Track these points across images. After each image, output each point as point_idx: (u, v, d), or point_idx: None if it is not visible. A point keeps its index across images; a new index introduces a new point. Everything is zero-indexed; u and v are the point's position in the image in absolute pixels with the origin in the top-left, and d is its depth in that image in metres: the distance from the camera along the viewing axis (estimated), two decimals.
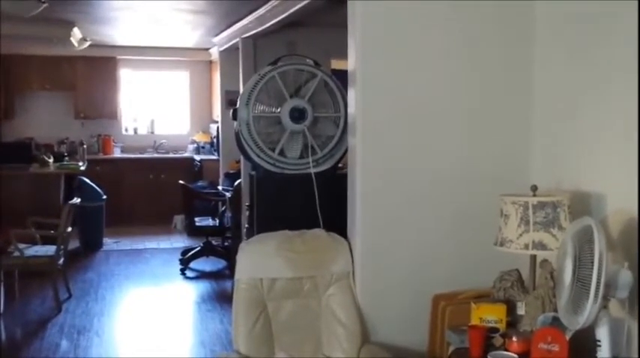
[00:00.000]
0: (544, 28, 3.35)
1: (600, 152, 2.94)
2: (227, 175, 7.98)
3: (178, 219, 9.36)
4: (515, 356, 2.73)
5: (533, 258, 2.90)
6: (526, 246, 2.77)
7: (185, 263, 7.24)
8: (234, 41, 7.31)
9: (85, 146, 9.51)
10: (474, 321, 2.96)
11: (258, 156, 3.93)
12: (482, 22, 3.37)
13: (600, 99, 2.93)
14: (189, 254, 7.34)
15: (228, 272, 6.90)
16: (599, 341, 2.48)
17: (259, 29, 6.22)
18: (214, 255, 7.42)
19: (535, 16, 3.38)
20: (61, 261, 5.94)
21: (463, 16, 3.34)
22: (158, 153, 10.30)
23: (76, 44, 7.88)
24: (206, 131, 10.40)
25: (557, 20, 3.26)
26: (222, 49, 8.21)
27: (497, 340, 2.85)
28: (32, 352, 4.80)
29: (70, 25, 7.30)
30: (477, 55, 3.39)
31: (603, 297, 2.39)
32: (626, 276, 2.47)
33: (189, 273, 7.17)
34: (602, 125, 2.93)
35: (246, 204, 4.80)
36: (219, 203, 7.57)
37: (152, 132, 10.56)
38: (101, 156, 9.91)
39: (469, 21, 3.35)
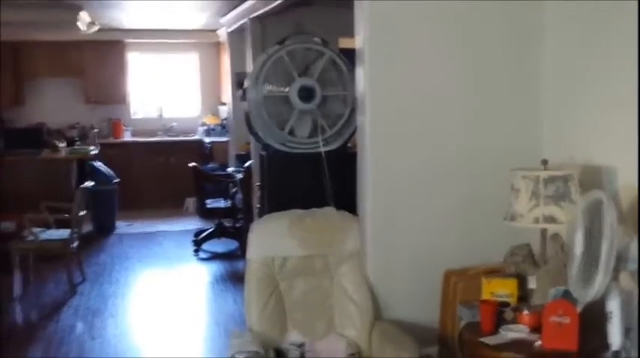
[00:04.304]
0: (553, 4, 3.32)
1: (611, 126, 2.93)
2: (237, 157, 7.99)
3: (190, 202, 9.39)
4: (527, 329, 2.74)
5: (544, 232, 2.91)
6: (536, 220, 2.78)
7: (198, 244, 7.29)
8: (242, 22, 7.28)
9: (95, 130, 9.54)
10: (485, 296, 2.98)
11: (268, 136, 3.93)
12: (490, 2, 3.34)
13: (611, 72, 2.92)
14: (202, 235, 7.38)
15: (240, 253, 6.93)
16: (610, 313, 2.48)
17: (267, 9, 6.18)
18: (226, 236, 7.45)
19: None
20: (75, 244, 5.99)
21: None
22: (168, 136, 10.31)
23: (83, 28, 7.88)
24: (216, 113, 10.39)
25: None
26: (230, 30, 8.18)
27: (509, 314, 2.86)
28: (48, 334, 4.86)
29: (77, 9, 7.29)
30: (486, 31, 3.37)
31: (614, 270, 2.40)
32: (636, 249, 2.47)
33: (202, 255, 7.21)
34: (613, 99, 2.91)
35: (257, 184, 4.81)
36: (230, 184, 7.58)
37: (162, 116, 10.56)
38: (112, 140, 9.92)
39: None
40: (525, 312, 2.79)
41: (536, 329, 2.70)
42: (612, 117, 2.92)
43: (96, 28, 7.95)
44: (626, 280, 2.63)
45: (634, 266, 2.48)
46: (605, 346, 2.51)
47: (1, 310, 5.39)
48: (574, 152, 3.14)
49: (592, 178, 2.96)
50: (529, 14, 3.38)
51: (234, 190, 7.36)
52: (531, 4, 3.38)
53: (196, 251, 7.20)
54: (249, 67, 6.77)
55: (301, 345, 3.18)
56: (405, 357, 2.84)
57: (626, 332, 2.51)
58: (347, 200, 3.58)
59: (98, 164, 8.28)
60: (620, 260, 2.46)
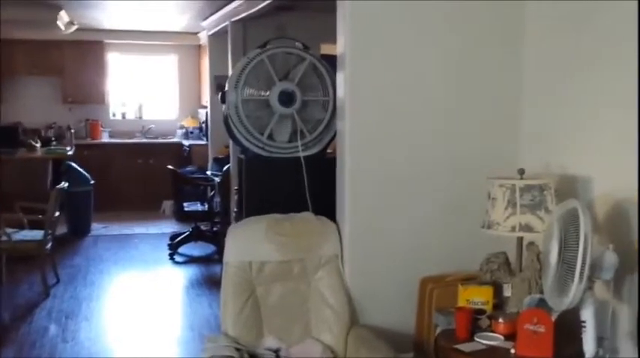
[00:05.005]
0: (533, 14, 3.36)
1: (588, 137, 2.96)
2: (216, 160, 7.96)
3: (167, 204, 9.33)
4: (502, 337, 2.76)
5: (520, 240, 2.93)
6: (513, 229, 2.80)
7: (174, 248, 7.23)
8: (223, 25, 7.26)
9: (72, 131, 9.44)
10: (461, 303, 2.99)
11: (247, 140, 3.92)
12: (471, 5, 3.37)
13: (589, 84, 2.95)
14: (178, 239, 7.33)
15: (217, 257, 6.89)
16: (584, 322, 2.51)
17: (249, 12, 6.18)
18: (203, 240, 7.41)
19: None
20: (49, 245, 5.91)
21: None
22: (146, 138, 10.24)
23: (63, 28, 7.81)
24: (195, 116, 10.35)
25: (546, 5, 3.27)
26: (211, 33, 8.16)
27: (484, 321, 2.88)
28: (20, 336, 4.79)
29: (57, 8, 7.23)
30: (466, 38, 3.39)
31: (588, 279, 2.42)
32: (610, 258, 2.50)
33: (178, 258, 7.15)
34: (590, 110, 2.95)
35: (235, 187, 4.79)
36: (208, 188, 7.55)
37: (140, 117, 10.49)
38: (89, 141, 9.83)
39: (459, 4, 3.35)
40: (500, 320, 2.81)
41: (510, 336, 2.71)
42: (588, 128, 2.95)
43: (74, 27, 7.89)
44: (601, 290, 2.66)
45: (608, 275, 2.50)
46: (580, 354, 2.53)
47: None
48: (550, 161, 3.18)
49: (568, 187, 2.99)
50: (511, 19, 3.41)
51: (211, 194, 7.33)
52: (512, 18, 3.40)
53: (171, 255, 7.14)
54: (230, 71, 6.75)
55: (277, 350, 3.17)
56: None
57: (600, 340, 2.53)
58: (325, 205, 3.58)
59: (74, 165, 8.19)
60: (595, 269, 2.49)
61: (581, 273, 2.38)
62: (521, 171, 2.89)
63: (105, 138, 10.01)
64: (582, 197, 2.89)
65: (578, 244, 2.41)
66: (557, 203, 2.80)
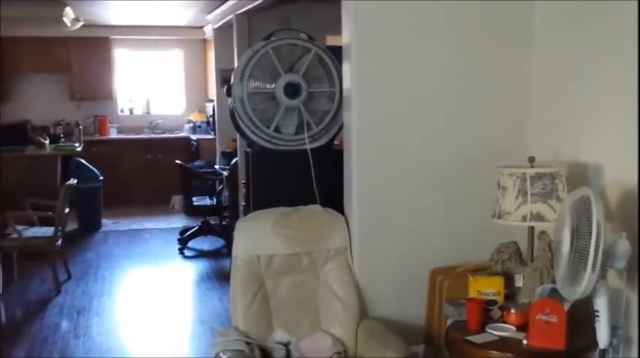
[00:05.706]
0: (544, 3, 3.31)
1: (598, 123, 2.92)
2: (224, 154, 7.94)
3: (176, 199, 9.35)
4: (514, 328, 2.73)
5: (531, 229, 2.90)
6: (524, 218, 2.76)
7: (183, 242, 7.24)
8: (228, 18, 7.24)
9: (80, 127, 9.46)
10: (472, 294, 2.96)
11: (254, 133, 3.90)
12: None
13: (598, 70, 2.91)
14: (188, 233, 7.34)
15: (226, 251, 6.90)
16: (597, 311, 2.48)
17: (253, 5, 6.15)
18: (212, 234, 7.42)
19: None
20: (60, 242, 5.93)
21: None
22: (154, 133, 10.25)
23: (68, 24, 7.80)
24: (202, 110, 10.34)
25: None
26: (216, 26, 8.13)
27: (495, 312, 2.85)
28: (32, 332, 4.80)
29: (62, 5, 7.22)
30: (474, 28, 3.35)
31: (601, 267, 2.38)
32: (624, 246, 2.46)
33: (187, 253, 7.16)
34: (600, 97, 2.91)
35: (243, 181, 4.78)
36: (217, 182, 7.54)
37: (148, 113, 10.49)
38: (97, 137, 9.85)
39: None
40: (512, 311, 2.78)
41: (522, 327, 2.68)
42: (599, 115, 2.91)
43: (80, 24, 7.88)
44: (614, 278, 2.63)
45: (621, 264, 2.47)
46: (593, 344, 2.50)
47: None
48: (560, 150, 3.14)
49: (579, 175, 2.95)
50: (519, 13, 3.36)
51: (220, 188, 7.33)
52: (522, 2, 3.36)
53: (181, 250, 7.15)
54: (236, 64, 6.72)
55: (287, 344, 3.15)
56: (391, 356, 2.82)
57: (613, 330, 2.50)
58: (333, 197, 3.56)
59: (83, 161, 8.21)
60: (608, 257, 2.45)
61: (594, 262, 2.35)
62: (532, 159, 2.85)
63: (113, 134, 10.02)
64: (593, 185, 2.85)
65: (590, 232, 2.37)
66: (568, 191, 2.77)
